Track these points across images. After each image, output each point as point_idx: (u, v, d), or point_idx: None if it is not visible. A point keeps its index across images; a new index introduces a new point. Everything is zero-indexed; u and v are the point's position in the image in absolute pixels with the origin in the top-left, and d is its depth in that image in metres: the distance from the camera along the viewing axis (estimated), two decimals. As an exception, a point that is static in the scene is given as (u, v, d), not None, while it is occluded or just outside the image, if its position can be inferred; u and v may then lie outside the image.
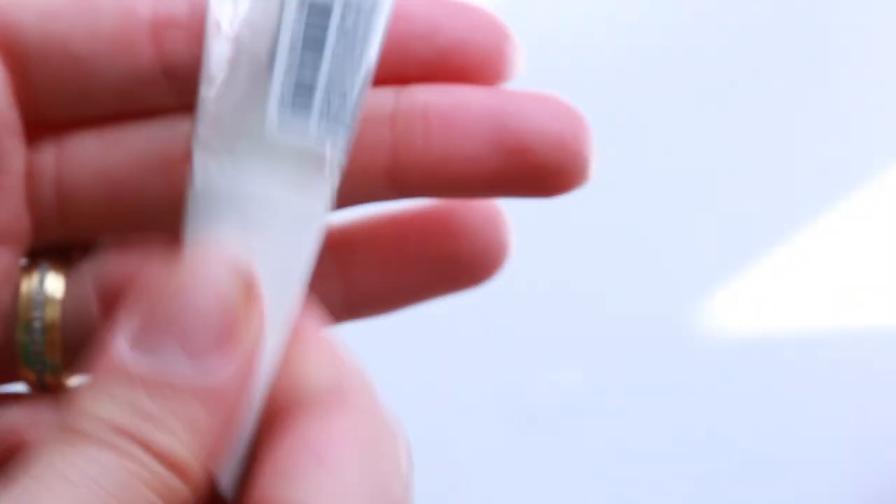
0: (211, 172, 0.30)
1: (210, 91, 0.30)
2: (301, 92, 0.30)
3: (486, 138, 0.32)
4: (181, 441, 0.27)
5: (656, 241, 0.74)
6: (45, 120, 0.32)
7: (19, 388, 0.34)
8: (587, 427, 0.70)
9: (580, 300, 0.73)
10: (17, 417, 0.33)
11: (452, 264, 0.34)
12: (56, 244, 0.34)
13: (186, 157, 0.32)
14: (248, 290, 0.28)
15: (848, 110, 0.77)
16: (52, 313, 0.33)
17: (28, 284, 0.34)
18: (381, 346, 0.68)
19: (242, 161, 0.30)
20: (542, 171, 0.32)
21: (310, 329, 0.30)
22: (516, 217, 0.35)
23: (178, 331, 0.27)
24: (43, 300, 0.33)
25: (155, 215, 0.33)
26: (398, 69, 0.32)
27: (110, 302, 0.33)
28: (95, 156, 0.33)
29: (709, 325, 0.73)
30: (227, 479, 0.30)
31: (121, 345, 0.28)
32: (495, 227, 0.34)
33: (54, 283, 0.34)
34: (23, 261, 0.34)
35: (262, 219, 0.30)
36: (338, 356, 0.30)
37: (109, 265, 0.34)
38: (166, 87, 0.32)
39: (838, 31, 0.79)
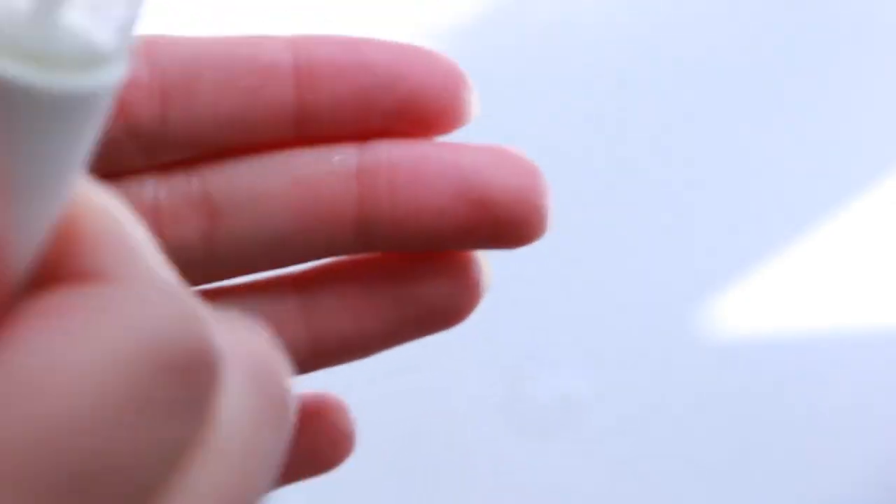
0: None
1: None
2: None
3: (451, 193, 0.33)
4: None
5: (660, 245, 0.74)
6: None
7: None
8: (589, 430, 0.70)
9: (584, 304, 0.72)
10: None
11: (421, 307, 0.34)
12: None
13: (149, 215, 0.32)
14: None
15: (853, 114, 0.77)
16: None
17: None
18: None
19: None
20: (505, 224, 0.33)
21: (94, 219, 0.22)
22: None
23: None
24: None
25: None
26: (360, 119, 0.33)
27: None
28: None
29: (712, 328, 0.73)
30: None
31: None
32: (466, 269, 0.34)
33: None
34: None
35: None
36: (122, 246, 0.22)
37: None
38: (132, 147, 0.32)
39: (843, 34, 0.79)
